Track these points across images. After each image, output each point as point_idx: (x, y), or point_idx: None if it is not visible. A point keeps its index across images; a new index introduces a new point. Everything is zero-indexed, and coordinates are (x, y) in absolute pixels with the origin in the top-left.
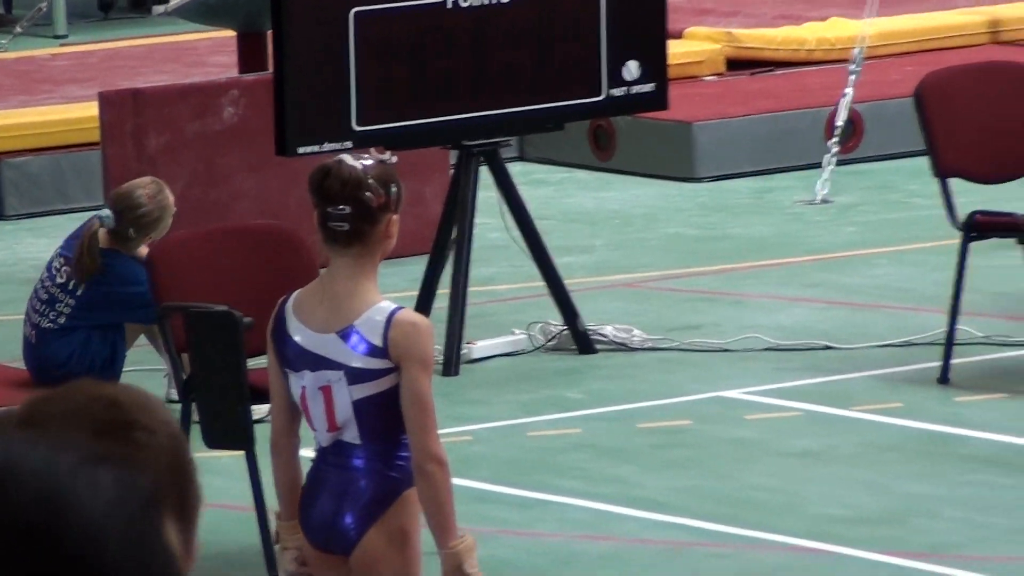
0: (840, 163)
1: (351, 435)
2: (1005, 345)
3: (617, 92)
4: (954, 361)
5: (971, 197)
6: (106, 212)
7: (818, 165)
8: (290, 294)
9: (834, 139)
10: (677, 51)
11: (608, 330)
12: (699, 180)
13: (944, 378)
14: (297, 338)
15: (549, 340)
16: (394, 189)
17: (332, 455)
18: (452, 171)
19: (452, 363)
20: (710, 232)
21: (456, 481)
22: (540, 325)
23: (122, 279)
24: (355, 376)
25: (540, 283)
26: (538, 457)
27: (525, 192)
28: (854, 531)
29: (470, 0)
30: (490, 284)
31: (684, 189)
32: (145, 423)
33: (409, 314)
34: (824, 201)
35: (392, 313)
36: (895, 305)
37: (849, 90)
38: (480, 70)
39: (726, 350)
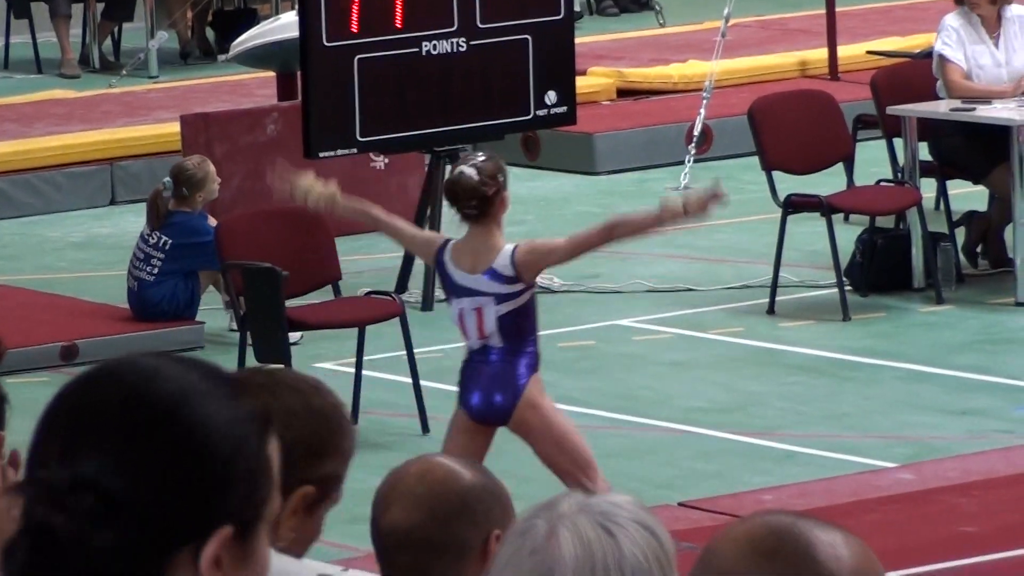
0: (696, 161)
1: (496, 340)
2: (813, 287)
3: (541, 112)
4: (778, 298)
5: (788, 184)
6: (167, 179)
7: (681, 163)
8: (447, 241)
9: (692, 144)
10: (582, 84)
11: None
12: (598, 174)
13: (771, 310)
14: (455, 277)
15: None
16: (500, 177)
17: (480, 354)
18: (427, 168)
19: (428, 301)
20: (607, 209)
21: (433, 384)
22: None
23: (191, 230)
24: (501, 299)
25: None
26: None
27: None
28: (710, 417)
29: (438, 50)
30: None
31: (588, 181)
32: (290, 403)
33: (520, 244)
34: (685, 187)
35: (512, 250)
36: (737, 260)
37: (702, 110)
38: (445, 98)
39: (618, 292)
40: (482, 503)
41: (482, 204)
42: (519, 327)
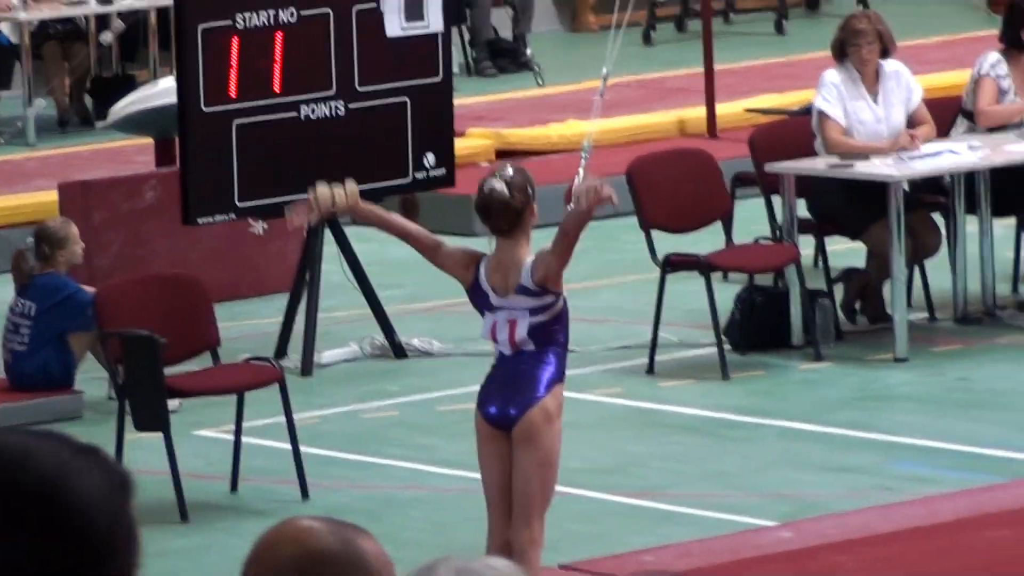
0: None
1: (528, 347)
2: (692, 346)
3: (420, 175)
4: (658, 358)
5: (667, 242)
6: (29, 239)
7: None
8: (484, 257)
9: (571, 204)
10: (461, 146)
11: (415, 342)
12: (477, 236)
13: (651, 370)
14: (489, 295)
15: (375, 350)
16: (530, 190)
17: (507, 361)
18: (306, 233)
19: (308, 367)
20: None
21: (309, 450)
22: (368, 339)
23: (53, 289)
24: (534, 312)
25: (367, 310)
26: (369, 432)
27: (356, 246)
28: (590, 478)
29: (316, 114)
30: (333, 311)
31: (468, 243)
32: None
33: (533, 261)
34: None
35: (530, 265)
36: (616, 320)
37: (581, 170)
38: (324, 161)
39: None
40: (321, 571)
41: (513, 218)
42: (549, 336)
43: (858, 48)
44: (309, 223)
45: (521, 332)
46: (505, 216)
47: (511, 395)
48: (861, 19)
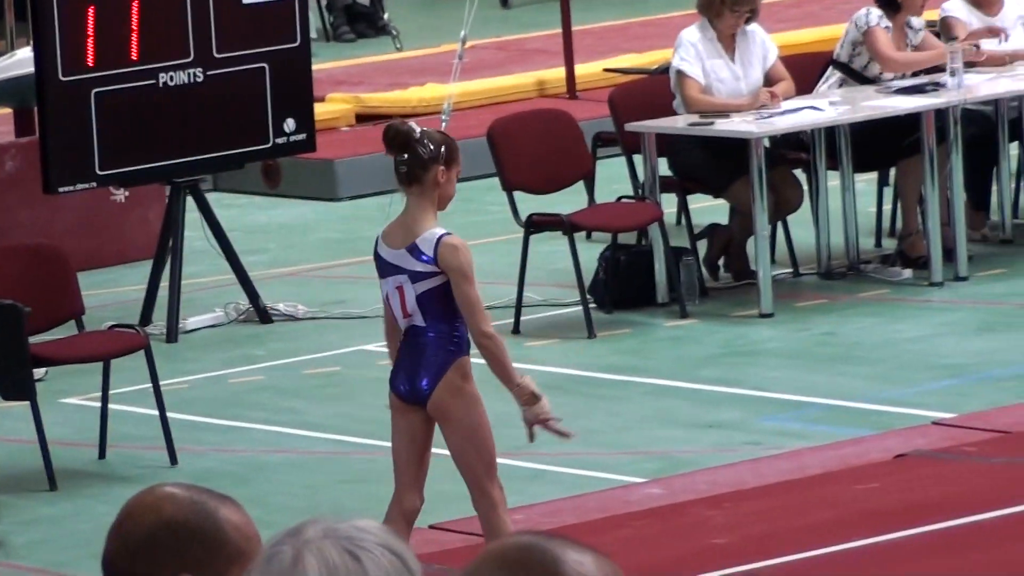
0: None
1: (419, 319)
2: (557, 305)
3: (280, 140)
4: (523, 318)
5: (529, 203)
6: None
7: None
8: (383, 227)
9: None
10: (321, 111)
11: (281, 306)
12: (340, 200)
13: (516, 329)
14: (383, 254)
15: (240, 315)
16: (444, 151)
17: (410, 335)
18: (167, 200)
19: (173, 333)
20: (349, 235)
21: (176, 416)
22: (233, 304)
23: None
24: (416, 277)
25: (231, 276)
26: (235, 397)
27: (219, 212)
28: None
29: (175, 82)
30: (197, 278)
31: (329, 207)
32: None
33: (451, 239)
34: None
35: (440, 237)
36: (481, 280)
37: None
38: (183, 128)
39: (363, 317)
40: (175, 541)
41: (413, 163)
42: (442, 308)
43: (738, 14)
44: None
45: (410, 301)
46: (405, 155)
47: (417, 370)
48: None
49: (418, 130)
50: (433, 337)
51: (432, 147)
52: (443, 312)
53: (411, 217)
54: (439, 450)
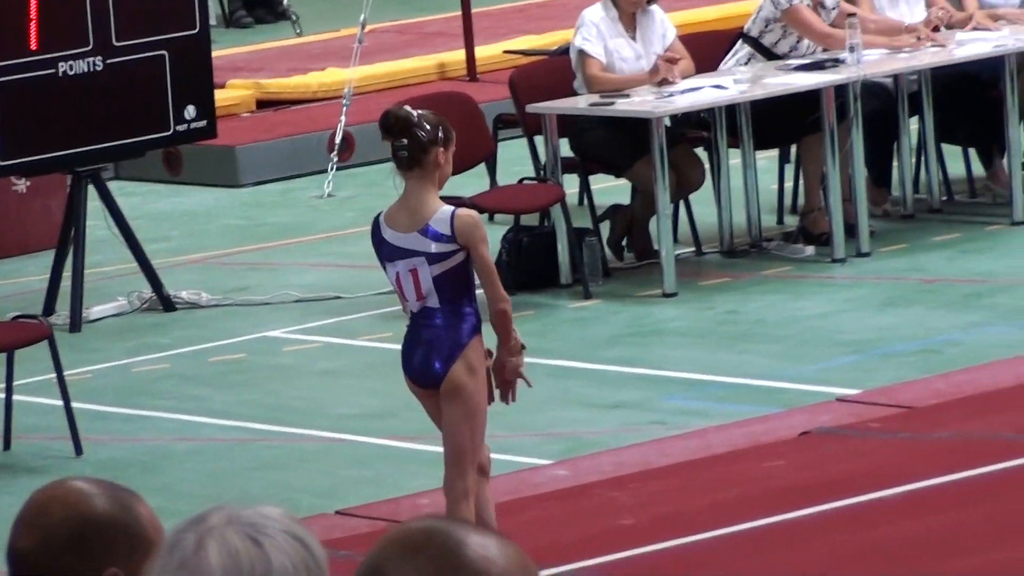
0: (339, 169)
1: (433, 301)
2: None
3: (181, 128)
4: None
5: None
6: None
7: (325, 171)
8: (381, 212)
9: (334, 152)
10: (221, 97)
11: (184, 294)
12: (242, 186)
13: None
14: (390, 239)
15: (143, 303)
16: (440, 132)
17: (421, 318)
18: (69, 189)
19: (76, 323)
20: (252, 222)
21: (81, 406)
22: (136, 293)
23: None
24: (434, 258)
25: (134, 264)
26: (140, 385)
27: (121, 201)
28: (362, 424)
29: (75, 71)
30: (100, 267)
31: (231, 193)
32: None
33: (464, 211)
34: (330, 195)
35: (453, 212)
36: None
37: (343, 118)
38: (84, 117)
39: (267, 303)
40: (103, 537)
41: (413, 147)
42: (457, 288)
43: None
44: None
45: (426, 282)
46: (404, 140)
47: (432, 352)
48: None
49: (415, 113)
50: (444, 319)
51: (430, 129)
52: (455, 293)
53: (416, 200)
54: (351, 436)
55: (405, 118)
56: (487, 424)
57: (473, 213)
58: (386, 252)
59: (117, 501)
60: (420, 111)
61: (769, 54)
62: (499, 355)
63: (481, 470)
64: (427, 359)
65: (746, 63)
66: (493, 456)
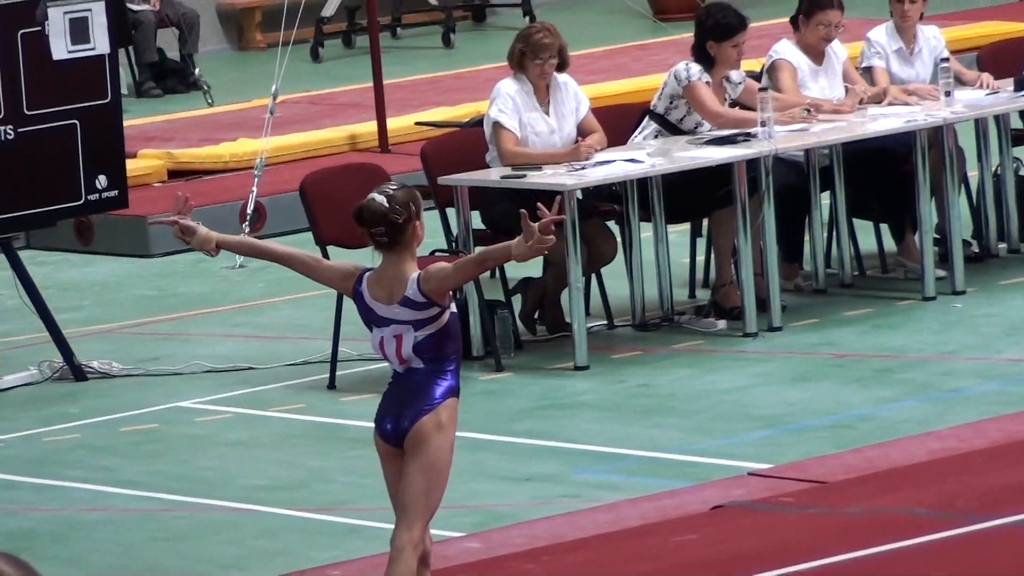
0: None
1: (416, 363)
2: (373, 359)
3: (92, 197)
4: (339, 373)
5: (342, 258)
6: None
7: None
8: (364, 271)
9: (246, 223)
10: (133, 167)
11: (95, 363)
12: (153, 256)
13: (332, 384)
14: (375, 308)
15: (54, 373)
16: (413, 207)
17: (403, 376)
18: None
19: None
20: (164, 292)
21: None
22: (47, 362)
23: None
24: (419, 324)
25: (45, 333)
26: (51, 455)
27: (32, 270)
28: (272, 495)
29: None
30: (10, 336)
31: (143, 263)
32: None
33: (423, 271)
34: (241, 266)
35: (417, 276)
36: (295, 336)
37: (255, 188)
38: None
39: (179, 373)
40: None
41: (392, 231)
42: (439, 348)
43: (541, 63)
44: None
45: (407, 348)
46: (382, 228)
47: (405, 409)
48: (545, 33)
49: (385, 201)
50: (425, 376)
51: (402, 210)
52: (437, 355)
53: (395, 272)
54: (261, 507)
55: (378, 211)
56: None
57: (431, 267)
58: (372, 318)
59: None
60: (388, 191)
61: (675, 130)
62: (522, 249)
63: (422, 560)
64: (399, 416)
65: (655, 138)
66: None
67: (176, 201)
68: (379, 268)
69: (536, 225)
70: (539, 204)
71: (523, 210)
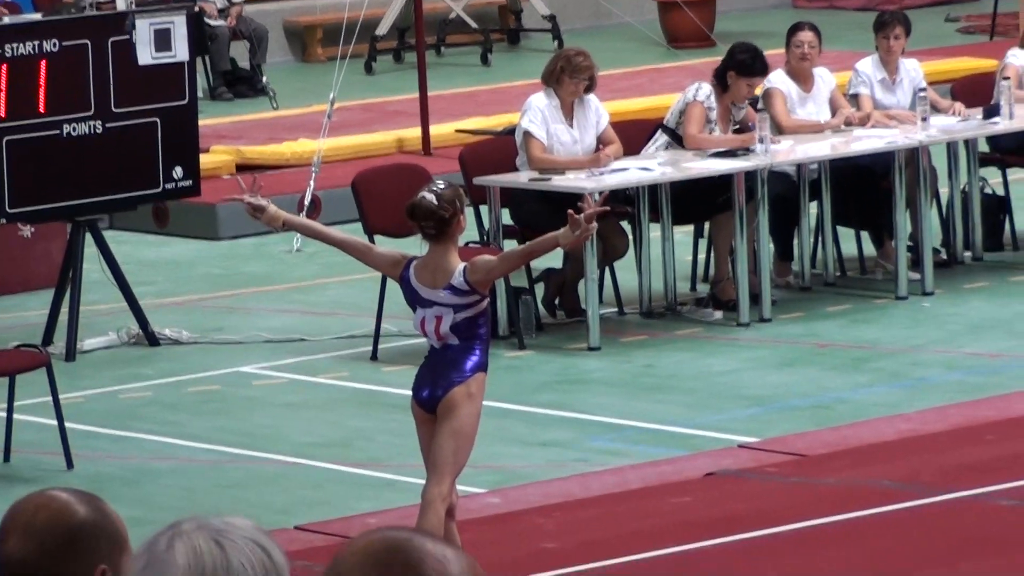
0: None
1: (452, 340)
2: (411, 335)
3: (169, 186)
4: (380, 346)
5: (388, 245)
6: None
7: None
8: (411, 259)
9: (303, 212)
10: (205, 160)
11: (167, 331)
12: (221, 239)
13: (374, 356)
14: (420, 291)
15: (131, 338)
16: (458, 203)
17: (439, 351)
18: (68, 236)
19: (71, 353)
20: (229, 271)
21: (73, 426)
22: (125, 329)
23: None
24: (459, 308)
25: (124, 304)
26: (126, 410)
27: (114, 248)
28: (320, 451)
29: (77, 132)
30: (94, 305)
31: (212, 245)
32: None
33: (469, 262)
34: (298, 250)
35: (462, 268)
36: (344, 313)
37: (312, 182)
38: (83, 173)
39: (240, 342)
40: (90, 538)
41: (440, 225)
42: (472, 329)
43: (576, 82)
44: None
45: (445, 327)
46: (431, 223)
47: (439, 379)
48: (584, 57)
49: (434, 199)
50: (459, 352)
51: (448, 206)
52: (471, 334)
53: (441, 261)
54: (310, 461)
55: (428, 208)
56: (470, 452)
57: (476, 259)
58: (416, 300)
59: (93, 506)
60: (436, 189)
61: (683, 143)
62: (570, 237)
63: (449, 512)
64: (434, 385)
65: (665, 150)
66: None
67: (247, 181)
68: (426, 256)
69: (581, 216)
70: (585, 195)
71: (570, 210)
